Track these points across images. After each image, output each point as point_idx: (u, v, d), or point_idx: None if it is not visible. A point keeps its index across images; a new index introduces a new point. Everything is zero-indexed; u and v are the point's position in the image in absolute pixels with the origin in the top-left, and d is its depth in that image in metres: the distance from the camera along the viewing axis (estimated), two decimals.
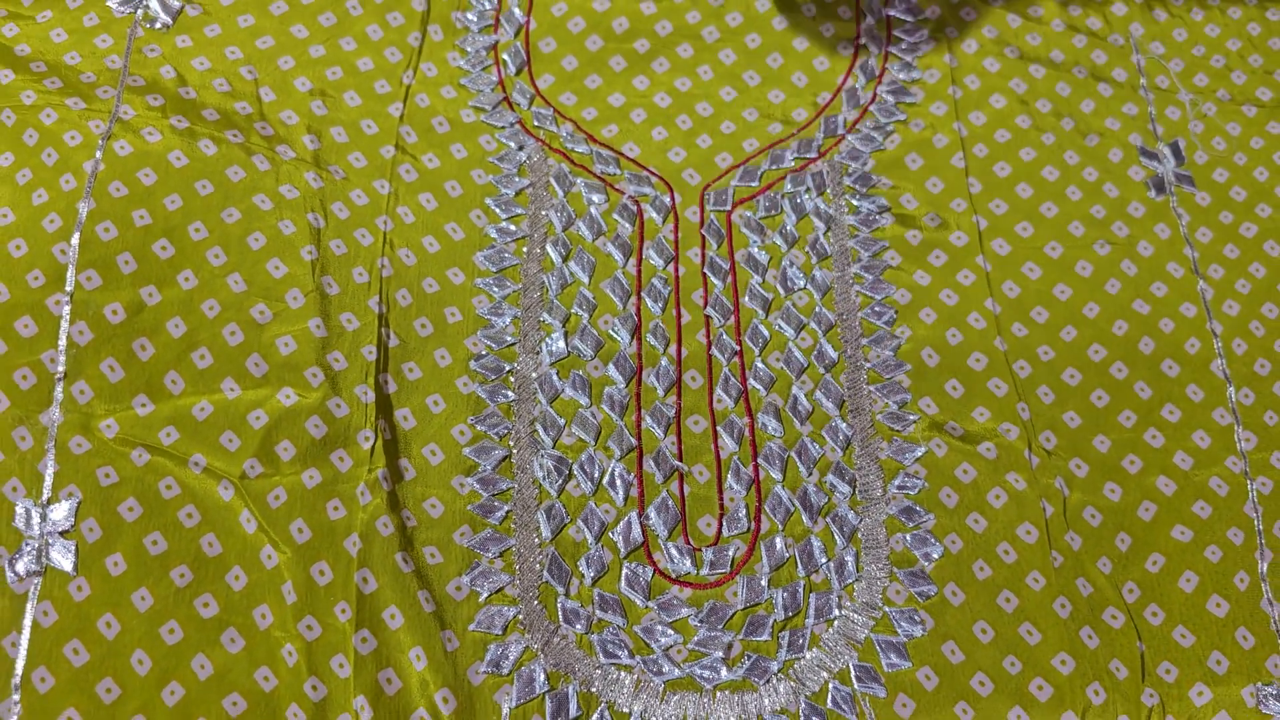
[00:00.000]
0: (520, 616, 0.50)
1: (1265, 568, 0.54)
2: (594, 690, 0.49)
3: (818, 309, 0.59)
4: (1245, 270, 0.62)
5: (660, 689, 0.49)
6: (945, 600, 0.52)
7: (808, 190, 0.62)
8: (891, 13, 0.68)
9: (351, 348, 0.54)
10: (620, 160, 0.62)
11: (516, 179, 0.61)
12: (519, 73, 0.64)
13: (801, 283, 0.59)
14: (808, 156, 0.63)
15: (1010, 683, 0.50)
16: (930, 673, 0.50)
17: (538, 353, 0.56)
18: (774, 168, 0.62)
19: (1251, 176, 0.65)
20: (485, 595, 0.50)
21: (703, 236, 0.60)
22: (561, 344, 0.56)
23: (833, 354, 0.57)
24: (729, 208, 0.61)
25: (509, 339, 0.56)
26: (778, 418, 0.55)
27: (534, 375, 0.55)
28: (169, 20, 0.61)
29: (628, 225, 0.60)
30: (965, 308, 0.59)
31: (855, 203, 0.62)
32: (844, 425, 0.56)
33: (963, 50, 0.67)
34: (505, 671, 0.49)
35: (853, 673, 0.50)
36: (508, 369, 0.55)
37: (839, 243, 0.61)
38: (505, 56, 0.64)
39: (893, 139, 0.64)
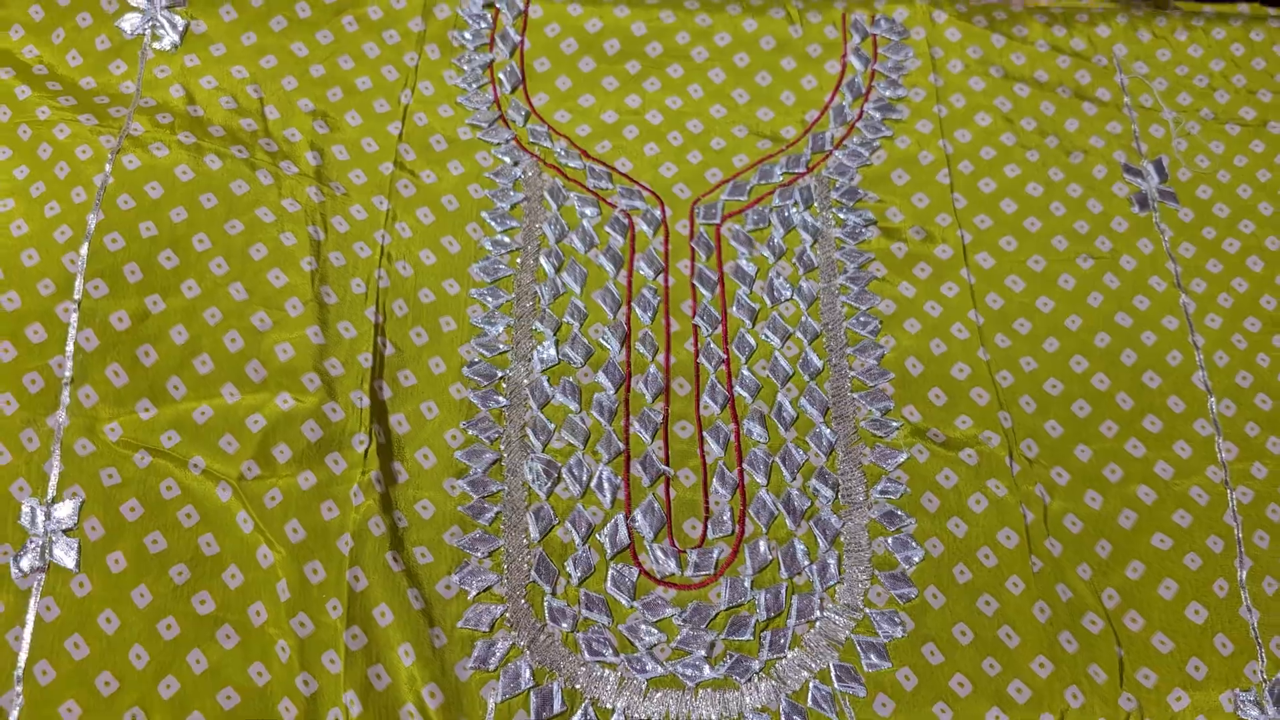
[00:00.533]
0: (507, 614, 0.51)
1: (1244, 575, 0.55)
2: (578, 686, 0.50)
3: (804, 319, 0.60)
4: (1228, 285, 0.63)
5: (643, 686, 0.50)
6: (926, 603, 0.52)
7: (795, 204, 0.63)
8: (877, 32, 0.69)
9: (348, 355, 0.55)
10: (613, 175, 0.64)
11: (512, 193, 0.62)
12: (514, 91, 0.66)
13: (788, 293, 0.61)
14: (796, 171, 0.64)
15: (989, 684, 0.51)
16: (910, 673, 0.51)
17: (529, 360, 0.57)
18: (762, 182, 0.64)
19: (1234, 193, 0.66)
20: (474, 594, 0.51)
21: (692, 249, 0.62)
22: (552, 351, 0.58)
23: (818, 362, 0.59)
24: (718, 221, 0.62)
25: (502, 347, 0.58)
26: (763, 424, 0.57)
27: (525, 382, 0.57)
28: (177, 39, 0.63)
29: (619, 238, 0.62)
30: (949, 319, 0.60)
31: (842, 216, 0.63)
32: (828, 431, 0.57)
33: (948, 70, 0.68)
34: (492, 667, 0.50)
35: (833, 672, 0.51)
36: (500, 375, 0.57)
37: (825, 255, 0.62)
38: (501, 75, 0.66)
39: (879, 155, 0.65)
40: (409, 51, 0.66)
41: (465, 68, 0.66)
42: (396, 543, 0.51)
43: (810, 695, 0.50)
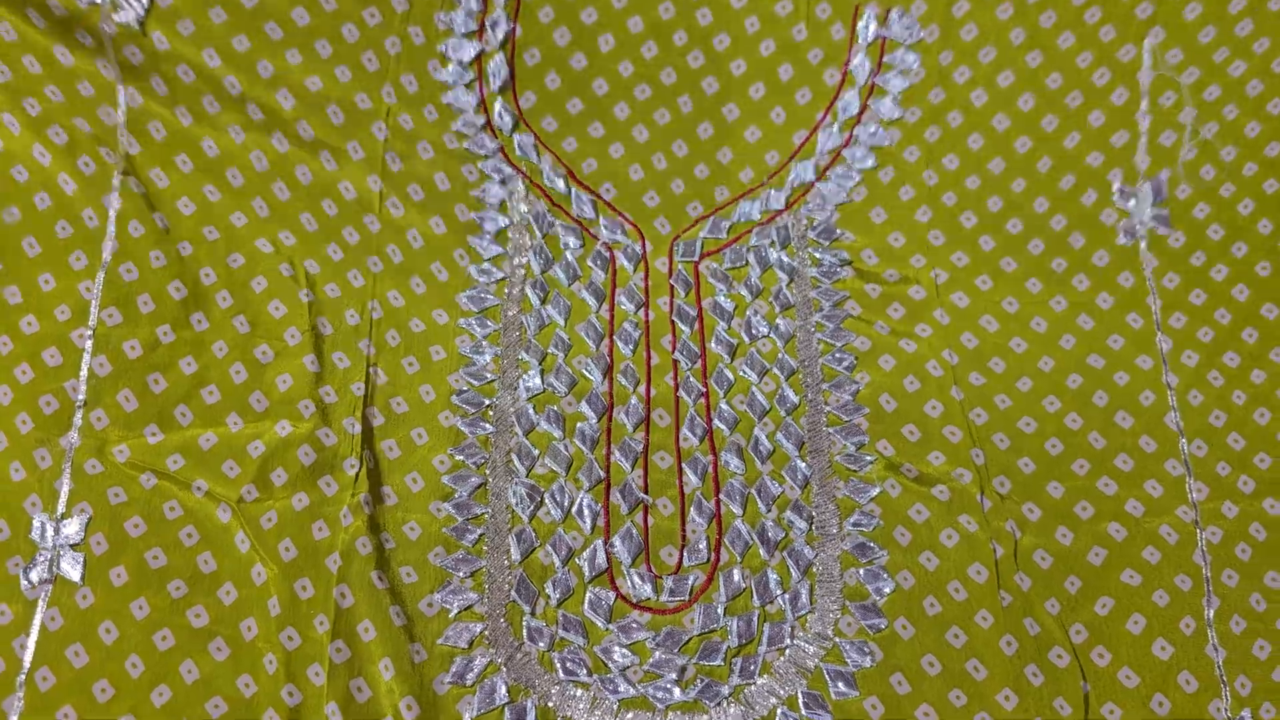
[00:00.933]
0: (486, 632, 0.54)
1: (1211, 614, 0.57)
2: (551, 705, 0.53)
3: (780, 355, 0.63)
4: (1210, 317, 0.65)
5: (615, 706, 0.53)
6: (895, 634, 0.55)
7: (772, 243, 0.66)
8: (886, 34, 0.69)
9: (342, 384, 0.59)
10: (597, 204, 0.67)
11: (498, 217, 0.66)
12: (502, 91, 0.68)
13: (765, 330, 0.64)
14: (774, 209, 0.67)
15: (955, 715, 0.53)
16: (877, 702, 0.53)
17: (515, 389, 0.61)
18: (741, 220, 0.67)
19: (1235, 210, 0.66)
20: (455, 612, 0.55)
21: (671, 285, 0.65)
22: (538, 381, 0.61)
23: (794, 398, 0.62)
24: (696, 259, 0.66)
25: (489, 376, 0.61)
26: (740, 456, 0.60)
27: (511, 410, 0.61)
28: (140, 12, 0.62)
29: (601, 272, 0.65)
30: (922, 357, 0.63)
31: (818, 255, 0.66)
32: (803, 465, 0.60)
33: (953, 80, 0.68)
34: (469, 683, 0.53)
35: (801, 699, 0.54)
36: (487, 404, 0.61)
37: (801, 293, 0.65)
38: (489, 70, 0.68)
39: (859, 191, 0.68)
40: (391, 35, 0.66)
41: (452, 58, 0.67)
42: (383, 562, 0.55)
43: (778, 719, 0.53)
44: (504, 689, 0.53)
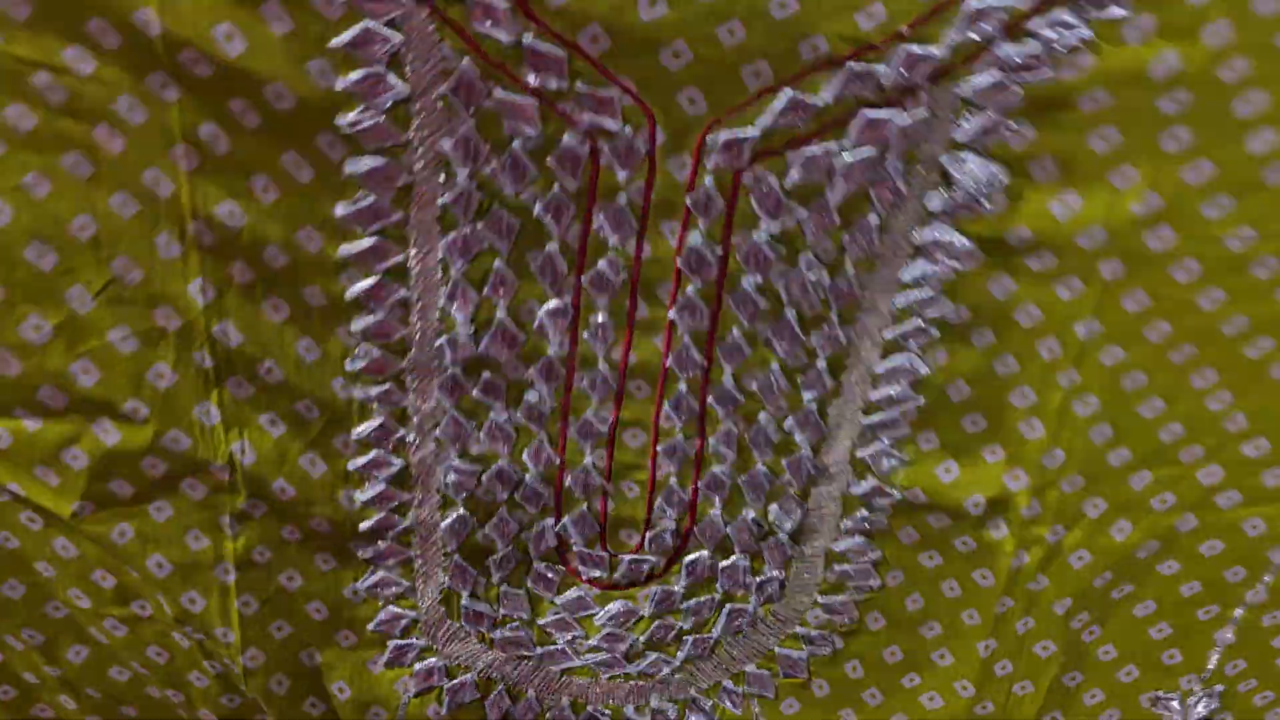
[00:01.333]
0: (420, 620, 0.50)
1: (1246, 606, 0.51)
2: (493, 676, 0.52)
3: (830, 322, 0.43)
4: None
5: (556, 675, 0.52)
6: (864, 625, 0.51)
7: (885, 148, 0.38)
8: None
9: (179, 355, 0.42)
10: (572, 59, 0.37)
11: (390, 83, 0.37)
12: None
13: (817, 277, 0.42)
14: (908, 81, 0.37)
15: (902, 693, 0.53)
16: (824, 684, 0.53)
17: (435, 345, 0.43)
18: (840, 99, 0.37)
19: None
20: (383, 600, 0.49)
21: (687, 207, 0.40)
22: (469, 341, 0.43)
23: (829, 381, 0.44)
24: (744, 164, 0.39)
25: (398, 330, 0.43)
26: (734, 445, 0.46)
27: (435, 376, 0.44)
28: None
29: (570, 177, 0.39)
30: (1043, 330, 0.44)
31: (953, 170, 0.39)
32: (812, 458, 0.47)
33: None
34: (406, 664, 0.51)
35: (746, 675, 0.53)
36: (398, 368, 0.44)
37: (899, 230, 0.41)
38: None
39: (1077, 61, 0.37)
40: None
41: None
42: (291, 560, 0.48)
43: (720, 693, 0.53)
44: (443, 666, 0.51)
